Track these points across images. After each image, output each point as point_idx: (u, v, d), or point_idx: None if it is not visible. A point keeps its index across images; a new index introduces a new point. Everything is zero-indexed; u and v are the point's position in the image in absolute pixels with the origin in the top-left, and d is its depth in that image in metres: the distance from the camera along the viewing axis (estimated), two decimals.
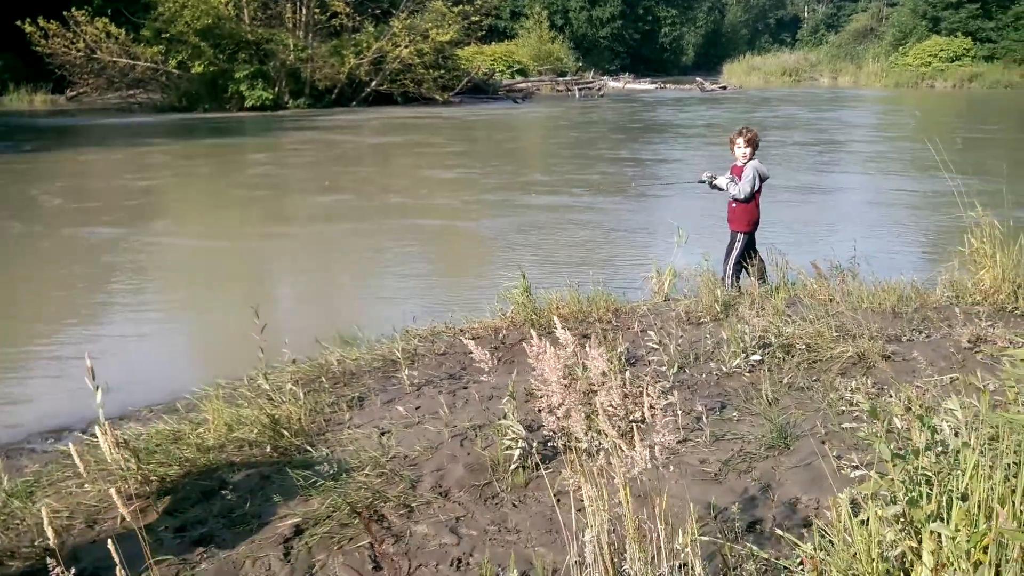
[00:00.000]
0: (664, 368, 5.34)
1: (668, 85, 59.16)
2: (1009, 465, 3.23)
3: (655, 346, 5.42)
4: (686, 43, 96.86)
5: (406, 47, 40.93)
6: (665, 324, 7.14)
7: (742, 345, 6.10)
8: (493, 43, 57.76)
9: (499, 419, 4.97)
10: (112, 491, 2.78)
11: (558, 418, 3.36)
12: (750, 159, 8.44)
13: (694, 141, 26.93)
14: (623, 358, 6.11)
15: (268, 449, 4.85)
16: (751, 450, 4.78)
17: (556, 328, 3.74)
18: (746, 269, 8.48)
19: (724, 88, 56.13)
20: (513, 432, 4.65)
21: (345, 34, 42.97)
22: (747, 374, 5.93)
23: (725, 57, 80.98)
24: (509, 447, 4.63)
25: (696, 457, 4.73)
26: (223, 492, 4.45)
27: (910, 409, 3.80)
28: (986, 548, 3.02)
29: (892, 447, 3.56)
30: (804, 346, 6.21)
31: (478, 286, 9.92)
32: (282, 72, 40.13)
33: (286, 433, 4.92)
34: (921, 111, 38.34)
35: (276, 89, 39.86)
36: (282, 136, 28.47)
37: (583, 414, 3.35)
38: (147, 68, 39.32)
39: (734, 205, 8.55)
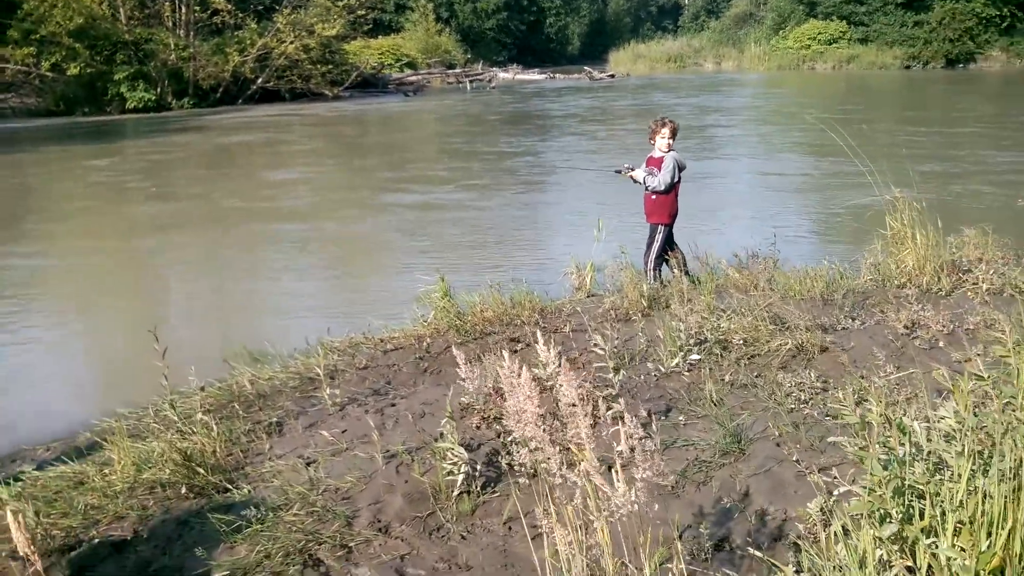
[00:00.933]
0: (610, 375, 5.02)
1: (557, 75, 59.02)
2: (1005, 473, 3.00)
3: (601, 351, 5.09)
4: (571, 33, 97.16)
5: (291, 43, 39.91)
6: (594, 323, 6.85)
7: (678, 343, 5.84)
8: (380, 37, 56.91)
9: (435, 440, 4.60)
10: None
11: (531, 451, 3.01)
12: (670, 149, 8.19)
13: (553, 131, 26.27)
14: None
15: (183, 490, 4.37)
16: (706, 458, 4.51)
17: (538, 342, 3.36)
18: (667, 262, 8.26)
19: (612, 76, 56.31)
20: (454, 455, 4.28)
21: (228, 31, 41.63)
22: (686, 373, 5.68)
23: (610, 46, 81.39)
24: (451, 472, 4.26)
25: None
26: (137, 544, 3.98)
27: (882, 415, 3.57)
28: (995, 570, 2.80)
29: (875, 456, 3.32)
30: (741, 341, 5.99)
31: (382, 291, 9.39)
32: (163, 72, 38.64)
33: (201, 471, 4.44)
34: (807, 97, 39.09)
35: (158, 90, 38.39)
36: (144, 140, 27.10)
37: (558, 447, 2.99)
38: (18, 71, 37.40)
39: (653, 197, 8.28)
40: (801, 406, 5.08)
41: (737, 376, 5.56)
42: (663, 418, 5.02)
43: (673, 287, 7.50)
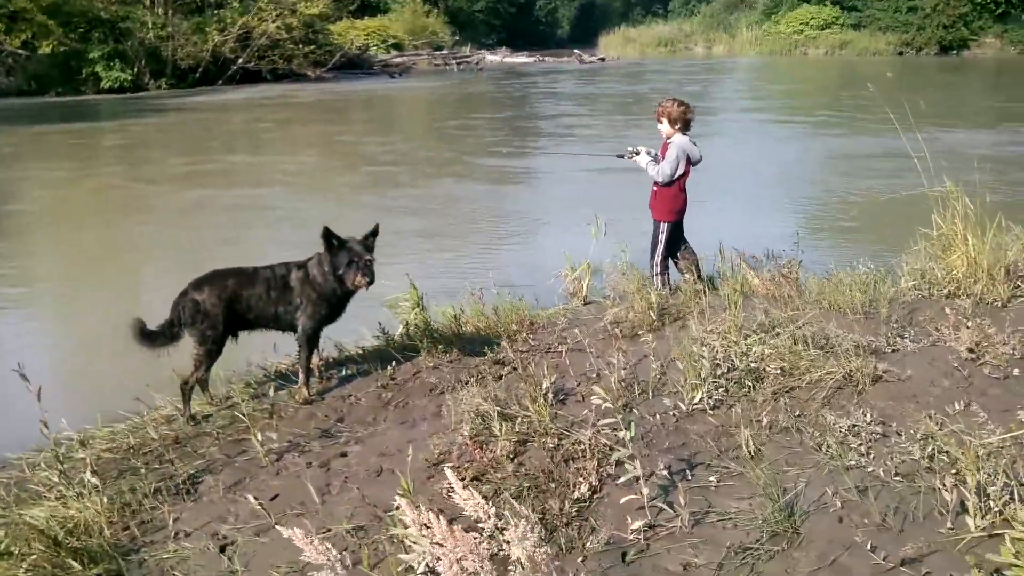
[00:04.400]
0: (617, 423, 3.82)
1: (546, 58, 57.75)
2: None
3: (605, 401, 3.89)
4: (561, 16, 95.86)
5: (273, 22, 38.60)
6: (594, 340, 5.73)
7: (700, 373, 4.72)
8: (366, 17, 55.47)
9: (391, 512, 3.47)
10: None
11: None
12: (678, 134, 7.05)
13: (540, 116, 24.68)
14: (551, 395, 4.69)
15: None
16: (749, 542, 3.40)
17: (455, 488, 2.26)
18: (676, 264, 7.16)
19: (603, 60, 55.14)
20: (414, 545, 3.15)
21: (208, 10, 40.28)
22: (712, 412, 4.57)
23: (600, 29, 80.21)
24: (410, 569, 3.14)
25: (676, 558, 3.33)
26: None
27: None
28: None
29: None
30: (778, 370, 4.88)
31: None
32: (141, 51, 37.23)
33: (76, 564, 3.29)
34: (809, 82, 38.11)
35: (135, 69, 36.98)
36: (115, 121, 25.70)
37: None
38: None
39: (655, 189, 7.18)
40: (861, 460, 3.98)
41: (776, 417, 4.44)
42: (688, 478, 3.91)
43: (687, 296, 6.40)
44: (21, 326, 7.79)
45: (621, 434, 3.58)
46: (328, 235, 4.99)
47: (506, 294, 6.64)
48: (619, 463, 3.80)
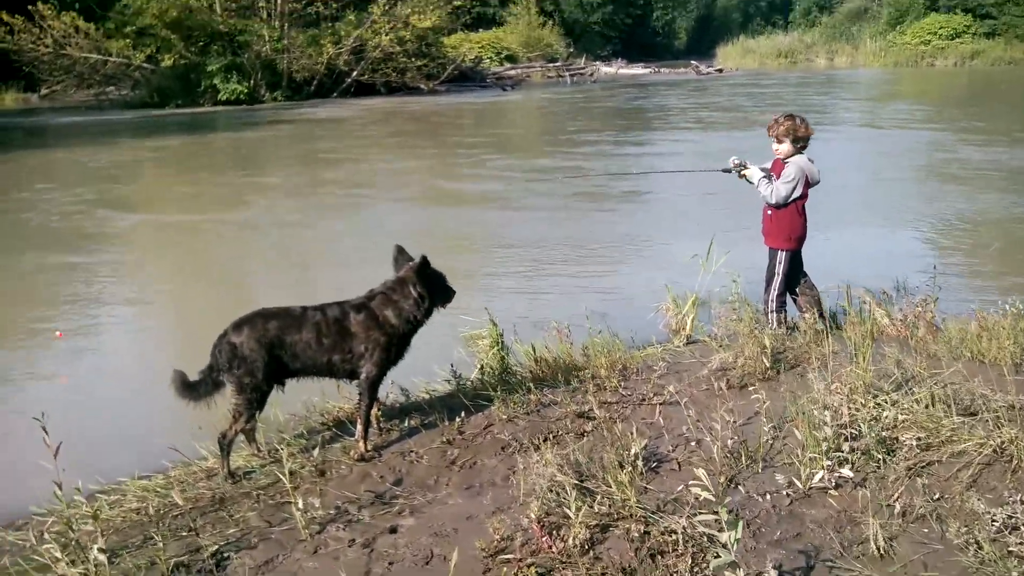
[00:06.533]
0: (718, 518, 3.05)
1: (662, 69, 56.93)
2: None
3: (705, 491, 3.14)
4: (678, 27, 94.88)
5: (387, 35, 38.71)
6: (696, 391, 5.02)
7: (822, 445, 3.96)
8: (481, 30, 55.52)
9: None
10: None
11: None
12: (793, 154, 6.27)
13: (648, 129, 23.88)
14: (640, 462, 4.00)
15: None
16: None
17: None
18: (794, 300, 6.37)
19: (720, 71, 53.96)
20: None
21: (323, 23, 40.65)
22: (833, 492, 3.81)
23: (718, 41, 78.74)
24: None
25: None
26: None
27: None
28: None
29: None
30: (914, 440, 4.08)
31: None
32: (257, 64, 37.83)
33: None
34: (931, 88, 36.26)
35: (251, 82, 37.57)
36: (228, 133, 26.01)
37: None
38: (119, 64, 37.24)
39: (770, 213, 6.41)
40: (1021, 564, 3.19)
41: (911, 501, 3.67)
42: None
43: (806, 339, 5.61)
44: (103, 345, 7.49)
45: (724, 537, 2.86)
46: (426, 264, 4.65)
47: (597, 330, 5.95)
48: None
